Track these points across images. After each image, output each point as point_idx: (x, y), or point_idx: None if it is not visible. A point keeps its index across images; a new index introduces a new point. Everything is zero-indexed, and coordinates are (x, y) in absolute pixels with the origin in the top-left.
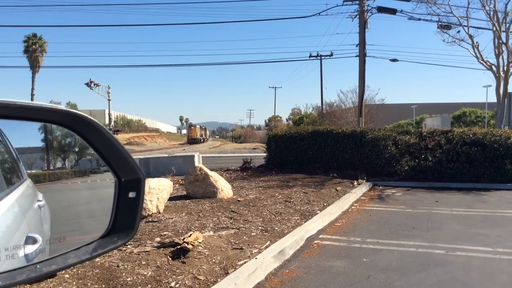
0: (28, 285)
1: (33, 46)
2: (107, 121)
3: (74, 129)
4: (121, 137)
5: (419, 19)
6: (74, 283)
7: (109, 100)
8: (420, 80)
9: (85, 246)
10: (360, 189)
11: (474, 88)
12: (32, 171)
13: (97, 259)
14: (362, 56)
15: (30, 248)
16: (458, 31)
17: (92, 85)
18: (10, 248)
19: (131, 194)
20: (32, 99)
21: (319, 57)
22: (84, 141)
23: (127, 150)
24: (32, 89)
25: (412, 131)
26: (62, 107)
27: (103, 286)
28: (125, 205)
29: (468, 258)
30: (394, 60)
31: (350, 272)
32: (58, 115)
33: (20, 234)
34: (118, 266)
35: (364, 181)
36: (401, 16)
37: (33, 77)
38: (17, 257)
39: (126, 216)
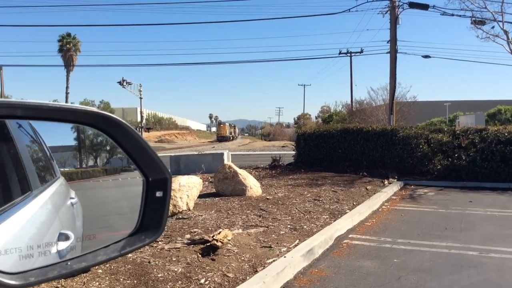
0: (63, 279)
1: (67, 45)
2: (139, 119)
3: (103, 130)
4: (153, 135)
5: (452, 15)
6: (107, 278)
7: (141, 98)
8: (453, 77)
9: (114, 244)
10: (391, 188)
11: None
12: (65, 169)
13: (129, 255)
14: (393, 53)
15: (62, 245)
16: (493, 27)
17: (125, 83)
18: (42, 245)
19: (158, 194)
20: (66, 97)
21: (348, 54)
22: (113, 142)
23: (154, 150)
24: (67, 87)
25: (445, 129)
26: (93, 108)
27: (135, 281)
28: (153, 204)
29: (503, 260)
30: (426, 56)
31: (381, 272)
32: (88, 117)
33: (53, 231)
34: (149, 262)
35: (395, 180)
36: (433, 12)
37: (67, 76)
38: (49, 254)
39: (154, 215)
